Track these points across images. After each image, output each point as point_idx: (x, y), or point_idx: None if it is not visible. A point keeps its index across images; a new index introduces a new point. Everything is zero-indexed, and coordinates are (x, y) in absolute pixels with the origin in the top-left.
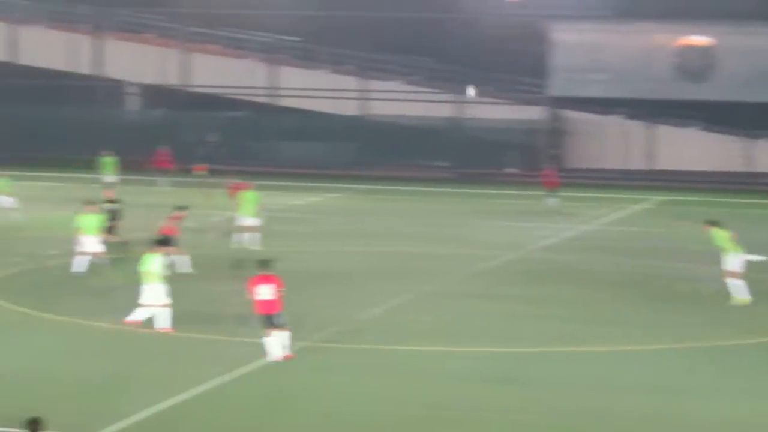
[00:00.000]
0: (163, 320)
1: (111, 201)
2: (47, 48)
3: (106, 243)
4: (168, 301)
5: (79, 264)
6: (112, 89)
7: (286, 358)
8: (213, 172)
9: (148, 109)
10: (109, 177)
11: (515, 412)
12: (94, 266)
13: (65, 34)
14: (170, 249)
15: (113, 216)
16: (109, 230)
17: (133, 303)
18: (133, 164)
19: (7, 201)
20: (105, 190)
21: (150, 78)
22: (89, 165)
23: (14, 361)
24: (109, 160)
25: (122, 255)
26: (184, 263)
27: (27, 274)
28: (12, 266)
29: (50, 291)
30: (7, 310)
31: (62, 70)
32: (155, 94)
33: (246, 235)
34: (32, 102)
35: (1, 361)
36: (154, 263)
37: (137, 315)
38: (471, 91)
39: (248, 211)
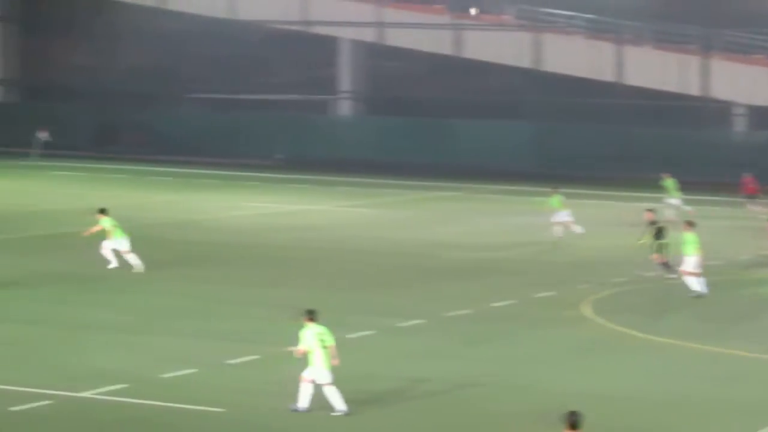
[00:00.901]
0: None
1: (653, 222)
2: (654, 68)
3: (657, 263)
4: None
5: (695, 284)
6: (719, 111)
7: None
8: None
9: (756, 131)
10: (672, 199)
11: None
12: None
13: (673, 54)
14: None
15: (659, 236)
16: (659, 250)
17: (741, 327)
18: (733, 187)
19: (562, 216)
20: (646, 212)
21: (759, 100)
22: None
23: (618, 382)
24: (670, 182)
25: (669, 276)
26: None
27: (626, 295)
28: (612, 286)
29: (651, 311)
30: (608, 329)
31: (670, 91)
32: (764, 116)
33: None
34: (637, 122)
35: (605, 381)
36: None
37: None
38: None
39: None
